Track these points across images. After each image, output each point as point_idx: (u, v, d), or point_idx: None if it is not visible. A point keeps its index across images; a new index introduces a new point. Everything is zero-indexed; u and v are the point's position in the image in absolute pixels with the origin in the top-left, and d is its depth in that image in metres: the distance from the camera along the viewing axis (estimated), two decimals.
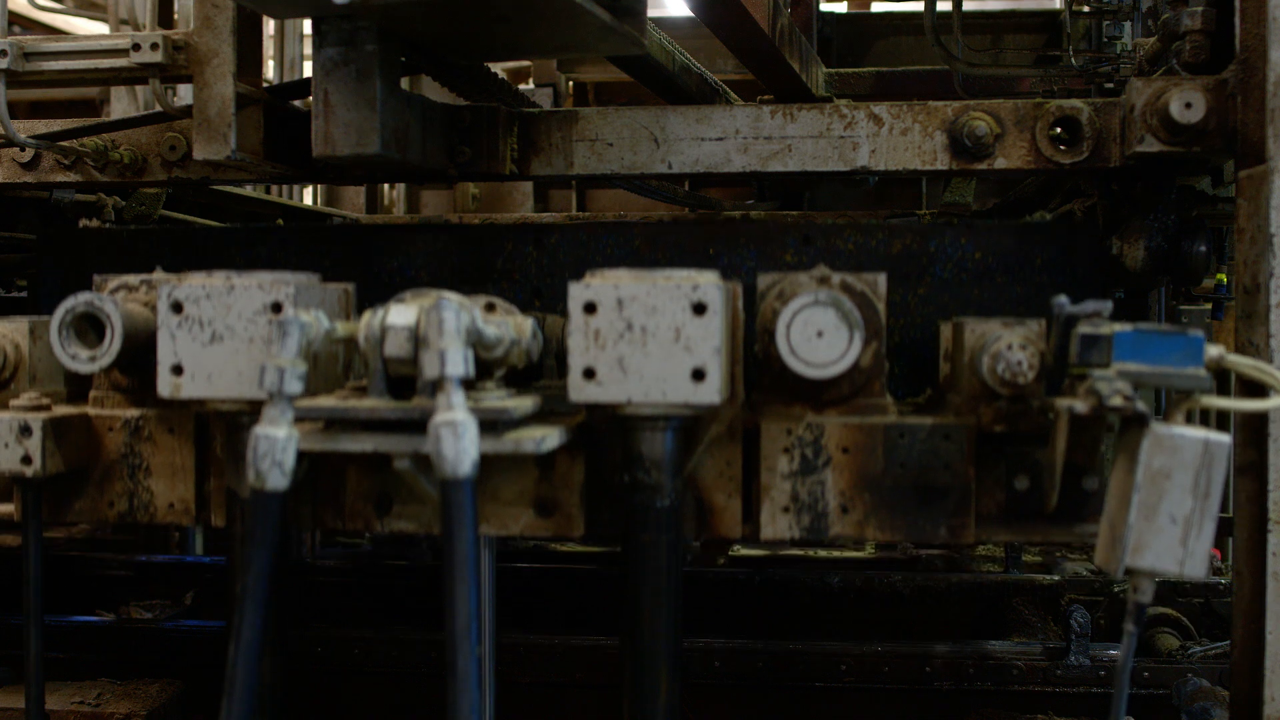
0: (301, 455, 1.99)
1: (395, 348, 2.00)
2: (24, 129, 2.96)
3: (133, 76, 2.71)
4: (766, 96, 4.43)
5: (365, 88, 2.36)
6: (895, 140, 2.77)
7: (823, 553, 4.91)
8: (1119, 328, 1.94)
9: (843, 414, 2.25)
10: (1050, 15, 5.44)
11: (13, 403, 2.39)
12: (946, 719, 3.39)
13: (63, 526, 6.75)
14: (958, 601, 3.94)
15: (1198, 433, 1.87)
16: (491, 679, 2.29)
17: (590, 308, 2.03)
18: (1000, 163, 2.75)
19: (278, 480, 1.96)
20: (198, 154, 2.59)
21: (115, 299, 2.33)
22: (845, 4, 6.68)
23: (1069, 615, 3.36)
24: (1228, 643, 2.42)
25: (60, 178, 3.13)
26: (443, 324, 1.92)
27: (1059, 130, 2.73)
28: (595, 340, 2.02)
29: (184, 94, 3.20)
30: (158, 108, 2.84)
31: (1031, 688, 3.37)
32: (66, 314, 2.30)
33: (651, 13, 2.74)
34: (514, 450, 2.00)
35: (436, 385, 1.91)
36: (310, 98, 2.47)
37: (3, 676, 3.30)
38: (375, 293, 2.77)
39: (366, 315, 2.06)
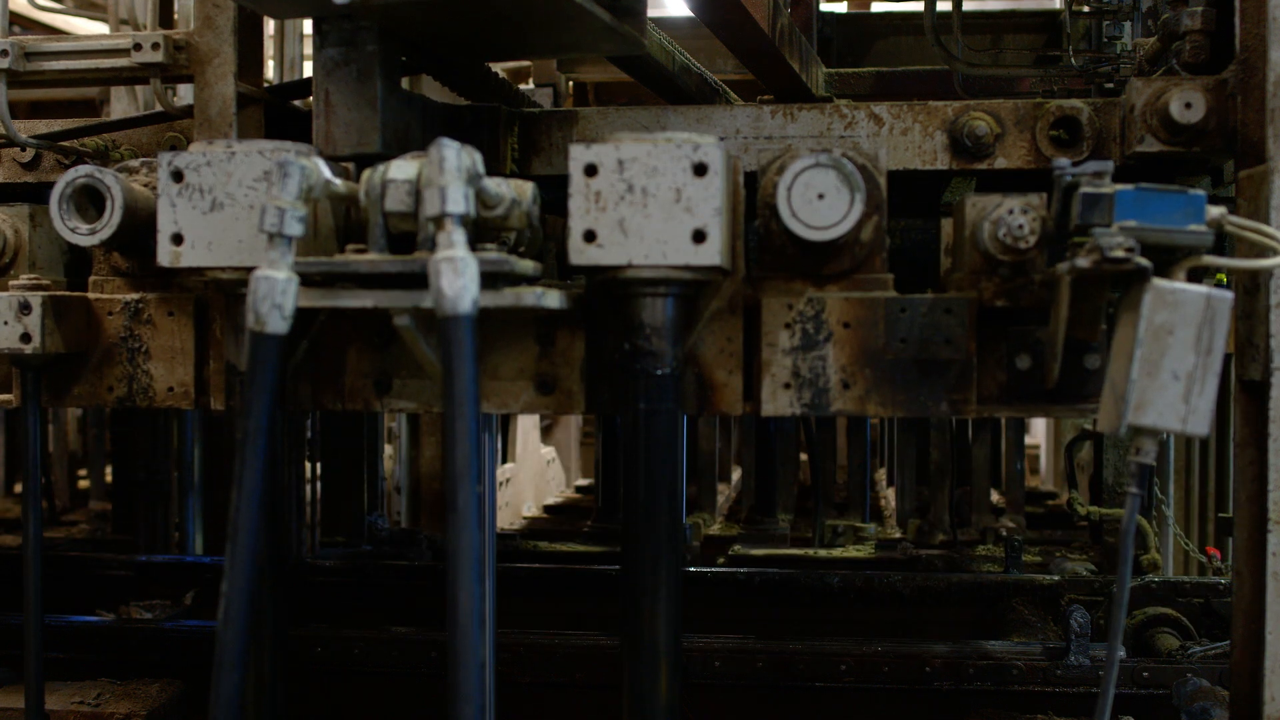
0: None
1: (396, 202, 1.99)
2: (25, 129, 2.96)
3: (134, 76, 2.73)
4: (766, 96, 4.43)
5: (366, 88, 2.37)
6: (895, 140, 2.78)
7: (823, 552, 4.91)
8: (1121, 187, 1.93)
9: (844, 289, 2.24)
10: (1050, 15, 5.44)
11: (12, 283, 2.39)
12: (946, 719, 3.39)
13: (61, 527, 6.76)
14: (958, 601, 3.93)
15: (1200, 288, 1.87)
16: (491, 651, 2.26)
17: (591, 170, 2.03)
18: (1000, 163, 2.76)
19: (277, 323, 1.94)
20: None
21: (115, 174, 2.32)
22: (845, 4, 6.68)
23: (1069, 615, 3.36)
24: (1228, 643, 2.42)
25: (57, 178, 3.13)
26: (444, 161, 1.91)
27: (1059, 130, 2.74)
28: (596, 202, 2.02)
29: (184, 94, 3.20)
30: (159, 108, 2.84)
31: (1031, 688, 3.37)
32: (67, 186, 2.30)
33: (651, 13, 2.74)
34: (514, 303, 1.99)
35: (437, 224, 1.89)
36: (311, 98, 2.48)
37: (3, 677, 3.30)
38: None
39: (367, 172, 2.05)
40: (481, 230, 2.07)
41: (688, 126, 2.87)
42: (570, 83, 6.30)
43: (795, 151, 2.21)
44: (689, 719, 3.33)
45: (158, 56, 2.60)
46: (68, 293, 2.44)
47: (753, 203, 2.28)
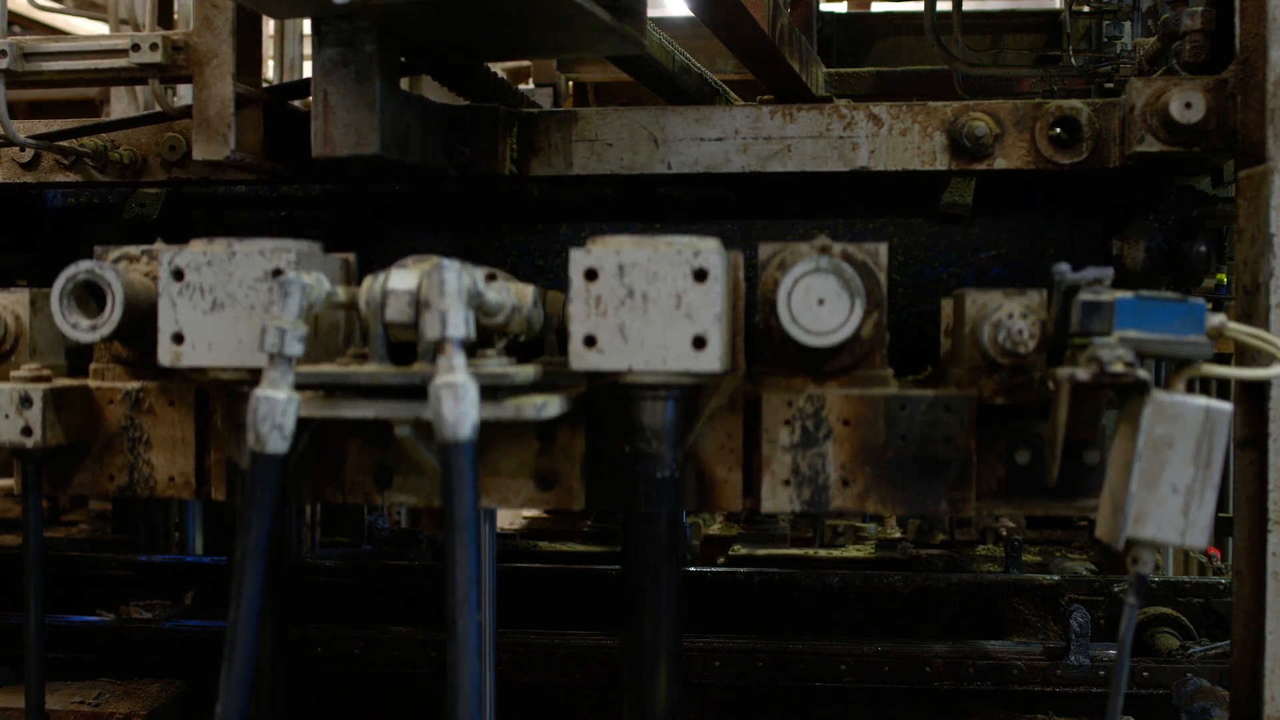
0: (302, 428, 1.98)
1: (396, 312, 1.98)
2: (24, 129, 2.96)
3: (132, 77, 2.71)
4: (766, 96, 4.44)
5: (365, 88, 2.36)
6: (895, 140, 2.78)
7: (823, 552, 4.90)
8: (1121, 295, 1.93)
9: (844, 385, 2.24)
10: (1050, 15, 5.44)
11: (13, 374, 2.38)
12: (946, 719, 3.39)
13: (61, 527, 6.76)
14: (958, 601, 3.93)
15: (1199, 400, 1.86)
16: (492, 651, 2.27)
17: (591, 274, 2.02)
18: (1000, 163, 2.75)
19: (278, 443, 1.94)
20: (197, 154, 2.59)
21: (116, 267, 2.31)
22: (845, 4, 6.68)
23: (1069, 615, 3.36)
24: (1228, 643, 2.42)
25: (60, 178, 3.11)
26: (444, 285, 1.91)
27: (1058, 131, 2.73)
28: (596, 307, 2.01)
29: (184, 94, 3.20)
30: (157, 108, 2.83)
31: (1031, 688, 3.37)
32: (67, 282, 2.29)
33: (651, 13, 2.74)
34: (515, 416, 1.99)
35: (437, 347, 1.90)
36: (310, 98, 2.46)
37: (3, 676, 3.29)
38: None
39: (368, 280, 2.04)
40: (482, 333, 2.08)
41: (687, 127, 2.86)
42: (570, 83, 6.30)
43: (796, 250, 2.21)
44: (689, 719, 3.33)
45: (156, 57, 2.58)
46: (69, 381, 2.43)
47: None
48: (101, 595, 3.98)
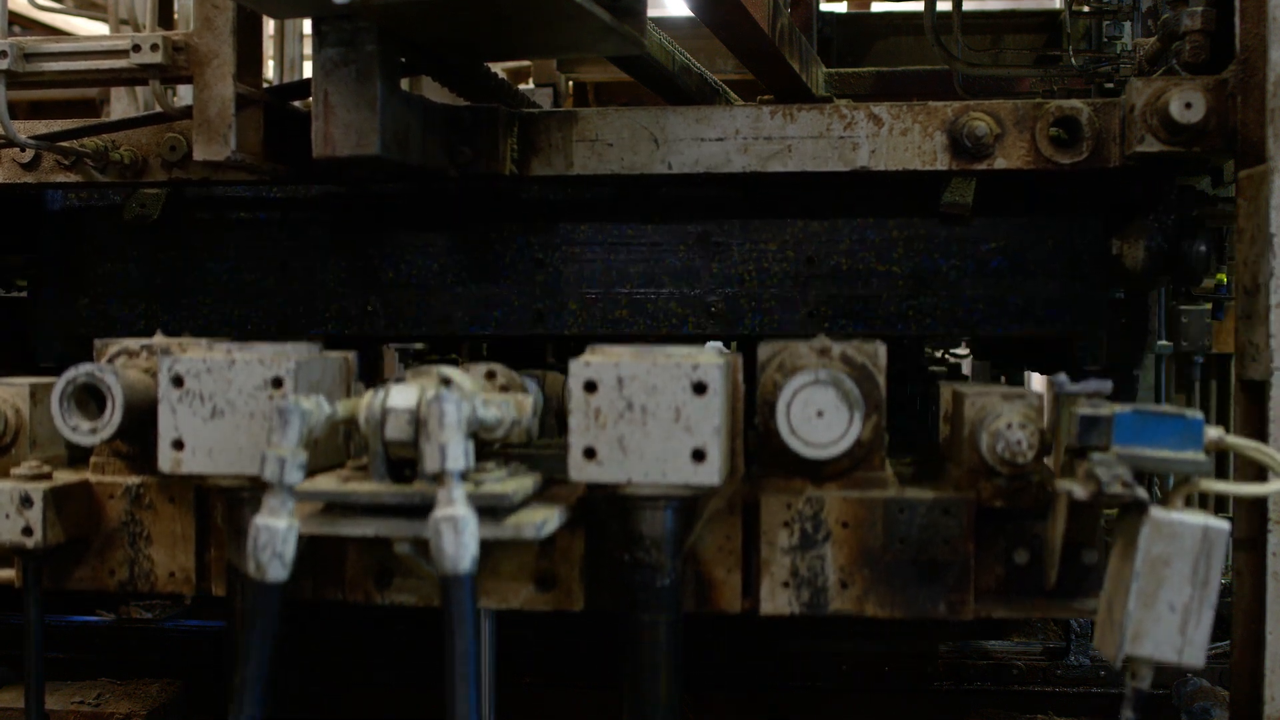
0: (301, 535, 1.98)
1: (396, 431, 1.99)
2: (24, 129, 2.94)
3: (133, 77, 2.70)
4: (766, 96, 4.43)
5: (365, 89, 2.34)
6: (895, 140, 2.77)
7: None
8: (1119, 409, 1.93)
9: (843, 488, 2.24)
10: (1050, 15, 5.44)
11: (14, 471, 2.39)
12: (947, 719, 3.39)
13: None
14: None
15: (1197, 519, 1.85)
16: None
17: (591, 386, 2.03)
18: (1000, 163, 2.75)
19: (278, 572, 1.95)
20: (198, 155, 2.58)
21: (116, 369, 2.33)
22: (845, 4, 6.68)
23: None
24: (1228, 643, 2.42)
25: (60, 178, 3.09)
26: (443, 417, 1.91)
27: (1058, 131, 2.73)
28: (596, 419, 2.02)
29: (184, 94, 3.20)
30: (158, 109, 2.83)
31: (1032, 688, 3.37)
32: (67, 385, 2.30)
33: (651, 13, 2.74)
34: (514, 536, 2.00)
35: (437, 479, 1.91)
36: (310, 98, 2.44)
37: (3, 676, 3.30)
38: None
39: (368, 397, 2.04)
40: (480, 445, 2.08)
41: (687, 127, 2.85)
42: (570, 83, 6.30)
43: (795, 352, 2.22)
44: (689, 718, 3.33)
45: (157, 58, 2.57)
46: (70, 476, 2.44)
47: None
48: (102, 595, 3.98)
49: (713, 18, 3.28)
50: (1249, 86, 2.38)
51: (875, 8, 6.41)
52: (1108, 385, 1.98)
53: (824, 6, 5.38)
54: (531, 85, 5.96)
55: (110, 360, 2.46)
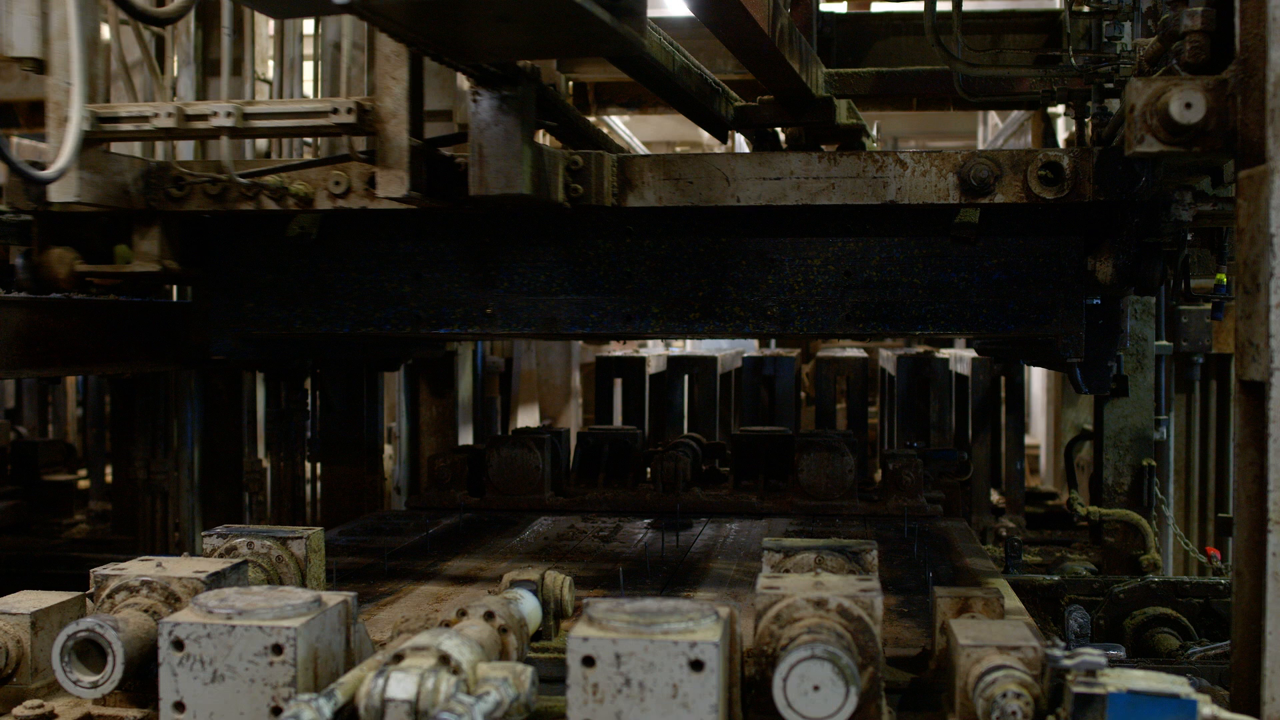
0: None
1: None
2: (240, 168, 3.58)
3: (328, 131, 3.43)
4: (767, 96, 4.43)
5: (512, 143, 3.02)
6: (916, 180, 3.45)
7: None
8: (1114, 689, 1.92)
9: None
10: (1050, 15, 5.44)
11: (15, 711, 2.39)
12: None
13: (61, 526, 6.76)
14: None
15: None
16: None
17: (589, 661, 2.04)
18: (999, 197, 3.41)
19: None
20: (381, 191, 3.21)
21: (116, 623, 2.34)
22: (845, 4, 6.68)
23: (1068, 615, 3.36)
24: (1228, 643, 2.42)
25: (244, 207, 3.65)
26: None
27: (1045, 172, 3.35)
28: (594, 694, 2.03)
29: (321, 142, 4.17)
30: (342, 152, 3.61)
31: None
32: (68, 639, 2.32)
33: (651, 13, 2.75)
34: None
35: None
36: (453, 146, 3.30)
37: None
38: None
39: (366, 684, 2.02)
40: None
41: (752, 169, 3.47)
42: (570, 83, 6.30)
43: (793, 606, 2.23)
44: None
45: (350, 119, 3.24)
46: (71, 711, 2.44)
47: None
48: None
49: (713, 18, 3.29)
50: (1249, 86, 2.38)
51: (875, 8, 6.41)
52: (1102, 662, 1.99)
53: (824, 6, 5.38)
54: None
55: (111, 595, 2.50)
